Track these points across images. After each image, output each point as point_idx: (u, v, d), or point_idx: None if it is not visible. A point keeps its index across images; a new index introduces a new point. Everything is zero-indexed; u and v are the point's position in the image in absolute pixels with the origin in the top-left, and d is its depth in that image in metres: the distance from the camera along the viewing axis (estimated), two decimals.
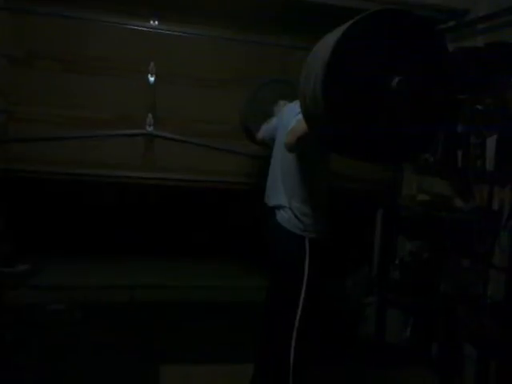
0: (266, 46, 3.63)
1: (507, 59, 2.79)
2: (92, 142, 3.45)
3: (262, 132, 2.81)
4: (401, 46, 1.64)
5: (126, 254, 3.75)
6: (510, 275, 2.56)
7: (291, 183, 2.38)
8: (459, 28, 3.33)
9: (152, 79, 3.53)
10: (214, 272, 4.01)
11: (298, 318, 2.31)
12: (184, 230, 3.90)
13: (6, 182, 3.23)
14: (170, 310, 3.61)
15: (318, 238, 2.37)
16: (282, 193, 2.41)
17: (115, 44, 3.47)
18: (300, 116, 2.01)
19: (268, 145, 2.71)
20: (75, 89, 3.43)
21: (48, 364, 2.75)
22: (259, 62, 3.61)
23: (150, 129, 3.52)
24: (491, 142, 2.83)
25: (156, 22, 3.52)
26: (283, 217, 2.39)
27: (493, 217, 2.77)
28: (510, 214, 2.68)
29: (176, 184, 3.64)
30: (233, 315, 3.54)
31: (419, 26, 1.67)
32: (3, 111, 3.28)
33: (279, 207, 2.43)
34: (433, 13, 3.29)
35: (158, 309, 3.60)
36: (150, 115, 3.52)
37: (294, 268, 2.34)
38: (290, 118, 2.38)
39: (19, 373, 2.62)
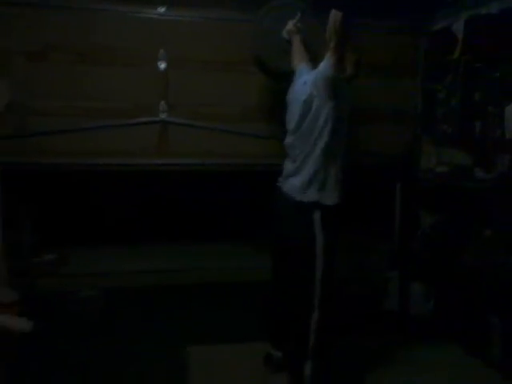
0: None
1: None
2: (107, 132, 3.48)
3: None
4: None
5: (148, 240, 3.81)
6: None
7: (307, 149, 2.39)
8: None
9: (163, 66, 3.53)
10: (237, 253, 4.03)
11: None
12: (204, 214, 3.93)
13: (27, 175, 3.29)
14: (195, 292, 3.68)
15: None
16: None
17: (125, 33, 3.47)
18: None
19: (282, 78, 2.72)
20: (89, 80, 3.45)
21: (79, 349, 2.83)
22: None
23: (163, 116, 3.54)
24: (509, 111, 2.78)
25: (163, 9, 3.51)
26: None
27: None
28: None
29: (192, 169, 3.67)
30: (258, 295, 3.56)
31: None
32: (21, 106, 3.32)
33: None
34: None
35: (184, 292, 3.67)
36: (162, 102, 3.53)
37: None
38: (308, 73, 2.47)
39: (51, 359, 2.69)
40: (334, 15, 2.19)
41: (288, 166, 2.51)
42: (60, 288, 3.35)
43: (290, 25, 2.81)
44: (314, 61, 2.49)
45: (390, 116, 3.73)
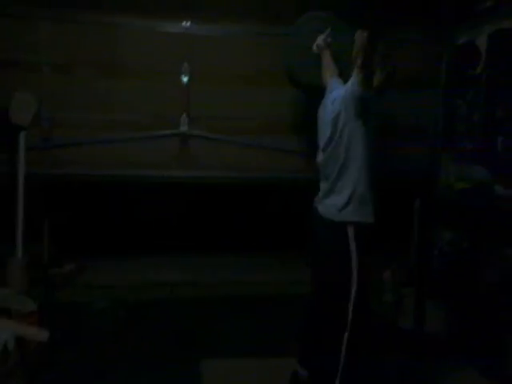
0: None
1: None
2: (129, 144, 3.55)
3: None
4: None
5: (165, 252, 3.85)
6: None
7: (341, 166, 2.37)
8: (497, 9, 3.20)
9: (185, 79, 3.59)
10: (253, 267, 4.04)
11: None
12: (221, 227, 3.96)
13: (51, 186, 3.39)
14: (210, 305, 3.67)
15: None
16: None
17: (149, 47, 3.55)
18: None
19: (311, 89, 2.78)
20: (112, 93, 3.54)
21: (92, 360, 2.84)
22: None
23: (184, 128, 3.59)
24: None
25: (188, 24, 3.57)
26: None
27: None
28: None
29: (212, 181, 3.71)
30: (273, 309, 3.56)
31: None
32: (47, 118, 3.43)
33: None
34: None
35: (198, 305, 3.66)
36: (184, 115, 3.58)
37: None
38: (338, 89, 2.46)
39: (65, 369, 2.73)
40: (360, 35, 2.19)
41: (322, 185, 2.49)
42: (78, 298, 3.41)
43: (320, 39, 2.83)
44: (345, 75, 2.48)
45: (410, 130, 3.70)
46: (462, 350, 2.93)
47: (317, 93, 2.70)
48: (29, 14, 3.37)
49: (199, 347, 3.09)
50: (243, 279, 3.85)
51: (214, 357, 2.95)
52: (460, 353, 2.92)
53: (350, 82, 2.30)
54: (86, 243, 3.51)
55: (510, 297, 2.72)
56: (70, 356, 2.83)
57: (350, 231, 2.31)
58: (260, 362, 2.95)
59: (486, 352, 2.76)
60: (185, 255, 3.88)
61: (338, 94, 2.42)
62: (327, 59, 2.78)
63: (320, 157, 2.51)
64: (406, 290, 3.37)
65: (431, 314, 3.19)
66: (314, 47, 2.87)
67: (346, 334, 2.29)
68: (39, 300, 2.69)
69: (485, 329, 2.79)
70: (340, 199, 2.33)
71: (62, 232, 3.38)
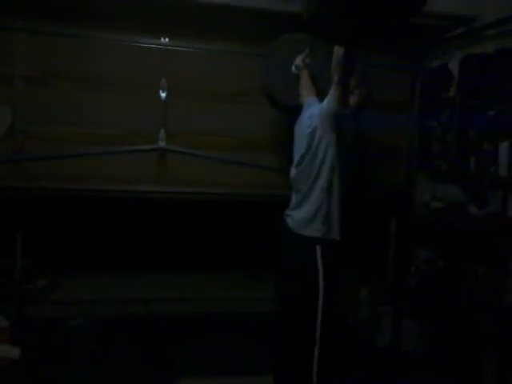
0: None
1: None
2: (106, 159, 3.51)
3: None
4: None
5: (142, 268, 3.80)
6: None
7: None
8: (468, 35, 3.33)
9: (163, 95, 3.58)
10: (229, 283, 4.02)
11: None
12: (198, 243, 3.94)
13: (24, 199, 3.30)
14: (187, 322, 3.63)
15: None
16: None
17: (127, 61, 3.53)
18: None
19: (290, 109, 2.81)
20: (89, 106, 3.48)
21: (66, 378, 2.77)
22: None
23: (162, 143, 3.57)
24: (504, 148, 2.82)
25: (166, 39, 3.58)
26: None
27: (508, 223, 2.75)
28: None
29: (189, 197, 3.68)
30: (250, 326, 3.53)
31: None
32: (20, 131, 3.35)
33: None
34: (441, 21, 3.31)
35: (176, 321, 3.62)
36: (162, 130, 3.57)
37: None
38: (314, 105, 2.50)
39: None
40: (337, 51, 2.26)
41: (293, 199, 2.53)
42: (51, 315, 3.32)
43: (299, 60, 2.88)
44: (322, 95, 2.53)
45: (386, 150, 3.78)
46: (438, 368, 2.96)
47: (295, 112, 2.75)
48: (3, 26, 3.32)
49: (176, 365, 3.04)
50: (220, 296, 3.82)
51: (191, 375, 2.91)
52: (437, 371, 2.95)
53: (326, 99, 2.36)
54: (60, 258, 3.43)
55: (486, 314, 2.77)
56: (44, 373, 2.75)
57: (318, 246, 2.34)
58: (237, 380, 2.92)
59: (463, 370, 2.80)
60: (160, 272, 3.83)
61: (315, 110, 2.47)
62: (305, 79, 2.84)
63: (293, 172, 2.55)
64: (383, 308, 3.41)
65: (408, 332, 3.23)
66: (293, 68, 2.92)
67: (316, 351, 2.29)
68: (11, 316, 2.61)
69: (461, 347, 2.82)
70: (307, 214, 2.37)
71: (35, 247, 3.29)
